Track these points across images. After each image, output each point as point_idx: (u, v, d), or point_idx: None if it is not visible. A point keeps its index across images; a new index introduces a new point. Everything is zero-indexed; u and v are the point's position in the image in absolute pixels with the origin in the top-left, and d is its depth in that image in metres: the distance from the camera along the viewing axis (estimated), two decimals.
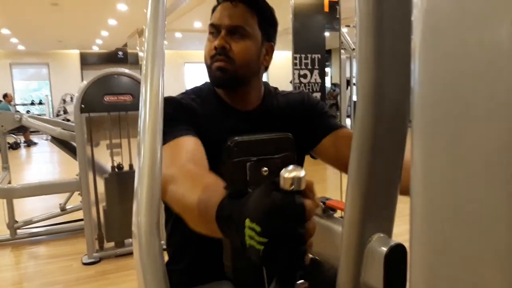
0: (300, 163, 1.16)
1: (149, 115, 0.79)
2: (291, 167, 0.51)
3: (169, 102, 1.03)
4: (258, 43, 1.07)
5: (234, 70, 1.04)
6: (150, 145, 0.76)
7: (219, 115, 1.09)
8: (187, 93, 1.12)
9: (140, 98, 0.81)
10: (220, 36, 1.03)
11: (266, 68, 1.13)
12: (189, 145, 0.94)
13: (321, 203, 0.77)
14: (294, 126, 1.12)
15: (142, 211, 0.69)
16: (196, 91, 1.12)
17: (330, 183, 4.07)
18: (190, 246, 1.12)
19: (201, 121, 1.04)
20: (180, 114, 1.02)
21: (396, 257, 0.65)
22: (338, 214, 0.80)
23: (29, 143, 10.32)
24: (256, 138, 1.02)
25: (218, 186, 0.70)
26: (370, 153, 0.62)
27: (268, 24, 1.09)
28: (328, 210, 0.77)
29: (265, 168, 1.00)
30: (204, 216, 0.66)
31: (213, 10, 1.08)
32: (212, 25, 1.06)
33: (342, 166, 1.13)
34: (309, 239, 0.51)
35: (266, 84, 1.18)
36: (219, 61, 1.03)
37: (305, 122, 1.15)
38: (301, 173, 0.51)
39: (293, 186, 0.50)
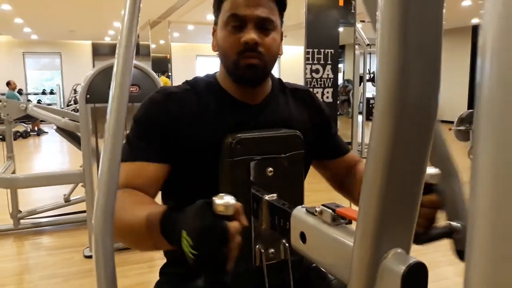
0: (307, 163, 1.08)
1: (112, 120, 0.78)
2: (223, 194, 0.65)
3: (151, 106, 0.98)
4: (279, 34, 1.00)
5: (264, 66, 0.97)
6: (112, 144, 0.77)
7: (222, 109, 1.00)
8: (188, 82, 1.04)
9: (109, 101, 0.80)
10: (250, 30, 0.93)
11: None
12: (140, 172, 0.93)
13: (331, 210, 0.68)
14: (301, 125, 1.05)
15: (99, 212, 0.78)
16: (198, 81, 1.04)
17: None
18: None
19: (195, 117, 0.97)
20: (154, 127, 0.95)
21: (416, 277, 0.57)
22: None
23: (39, 132, 10.35)
24: (261, 135, 0.93)
25: (156, 205, 0.83)
26: (390, 155, 0.53)
27: (284, 9, 1.01)
28: (338, 218, 0.68)
29: (270, 168, 0.92)
30: (147, 231, 0.75)
31: None
32: (235, 16, 0.94)
33: (337, 187, 1.20)
34: (231, 254, 0.63)
35: (271, 74, 1.09)
36: (251, 57, 0.94)
37: (313, 129, 1.11)
38: (230, 201, 0.64)
39: (221, 211, 0.63)
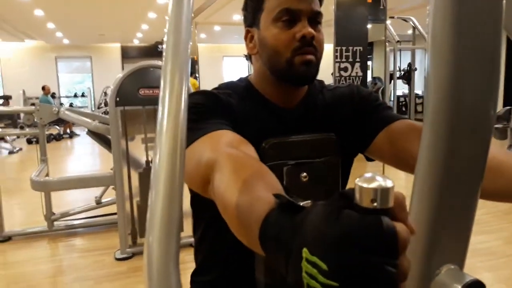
0: (346, 169, 1.02)
1: (168, 114, 0.58)
2: (370, 174, 0.34)
3: (204, 94, 0.92)
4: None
5: (317, 63, 0.91)
6: (169, 153, 0.55)
7: (260, 114, 0.95)
8: (222, 87, 0.97)
9: (160, 95, 0.61)
10: (306, 24, 0.87)
11: None
12: (232, 137, 0.78)
13: None
14: (343, 125, 0.98)
15: (155, 240, 0.49)
16: (232, 86, 0.98)
17: None
18: (219, 256, 1.01)
19: (238, 120, 0.90)
20: (216, 108, 0.88)
21: None
22: None
23: (71, 135, 10.60)
24: (294, 139, 0.89)
25: (267, 187, 0.52)
26: (443, 164, 0.48)
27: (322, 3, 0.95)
28: None
29: (305, 174, 0.87)
30: (244, 225, 0.51)
31: None
32: (287, 10, 0.87)
33: (402, 163, 0.93)
34: (403, 282, 0.34)
35: None
36: (308, 53, 0.88)
37: (356, 119, 0.99)
38: (388, 182, 0.34)
39: (375, 203, 0.33)
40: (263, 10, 0.90)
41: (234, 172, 0.62)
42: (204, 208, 0.93)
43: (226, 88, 0.97)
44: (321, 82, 1.05)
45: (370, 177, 0.34)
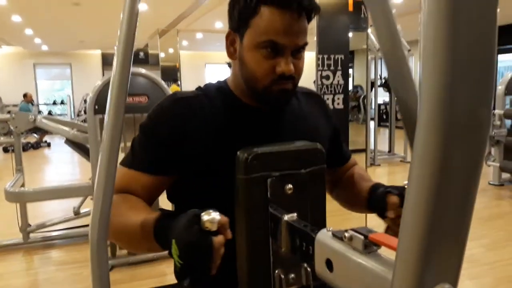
0: None
1: (109, 128, 0.85)
2: (211, 210, 0.70)
3: (161, 112, 0.95)
4: None
5: (294, 89, 0.94)
6: (108, 157, 0.82)
7: (235, 117, 0.95)
8: (196, 89, 1.00)
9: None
10: (288, 60, 0.87)
11: None
12: (139, 183, 0.94)
13: (362, 236, 0.60)
14: (316, 132, 1.02)
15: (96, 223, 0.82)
16: (205, 89, 1.00)
17: None
18: None
19: (206, 125, 0.92)
20: (162, 133, 0.92)
21: None
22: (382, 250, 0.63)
23: (48, 144, 10.37)
24: (279, 150, 0.85)
25: (153, 211, 0.87)
26: (436, 175, 0.46)
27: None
28: (371, 245, 0.60)
29: (290, 186, 0.84)
30: (144, 236, 0.81)
31: (254, 10, 0.86)
32: (273, 43, 0.86)
33: (332, 192, 1.18)
34: (214, 265, 0.69)
35: None
36: (285, 84, 0.90)
37: (325, 136, 1.08)
38: (216, 217, 0.69)
39: (207, 227, 0.68)
40: (250, 27, 0.88)
41: (127, 210, 0.89)
42: (184, 204, 0.93)
43: (204, 88, 0.99)
44: None
45: (209, 212, 0.69)
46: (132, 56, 0.86)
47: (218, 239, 0.69)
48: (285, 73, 0.87)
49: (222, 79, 1.03)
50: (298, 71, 0.91)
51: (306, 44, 0.90)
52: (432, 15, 0.42)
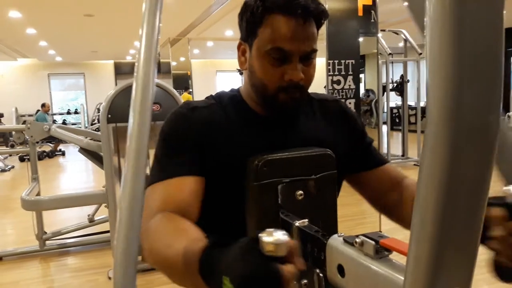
0: (339, 183, 1.00)
1: (134, 140, 0.74)
2: (272, 230, 0.52)
3: (177, 120, 0.93)
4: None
5: (302, 98, 0.92)
6: (134, 166, 0.71)
7: (247, 125, 0.95)
8: (209, 98, 0.99)
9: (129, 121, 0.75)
10: (296, 66, 0.86)
11: None
12: (180, 191, 0.85)
13: (373, 242, 0.60)
14: (332, 139, 0.98)
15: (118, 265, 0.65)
16: (218, 97, 0.99)
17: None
18: None
19: (220, 133, 0.91)
20: (185, 137, 0.90)
21: None
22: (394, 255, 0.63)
23: (63, 152, 10.49)
24: (289, 156, 0.86)
25: (199, 237, 0.69)
26: (446, 178, 0.45)
27: (320, 27, 0.93)
28: (383, 250, 0.60)
29: (300, 192, 0.85)
30: (187, 270, 0.63)
31: (261, 19, 0.86)
32: (279, 50, 0.85)
33: (376, 203, 1.07)
34: None
35: None
36: (294, 93, 0.89)
37: (346, 142, 1.02)
38: (282, 238, 0.51)
39: (271, 252, 0.50)
40: (257, 36, 0.88)
41: (169, 237, 0.75)
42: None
43: (218, 97, 0.98)
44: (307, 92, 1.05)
45: (271, 232, 0.51)
46: (156, 63, 0.82)
47: (289, 268, 0.51)
48: (293, 79, 0.86)
49: (235, 87, 1.03)
50: (308, 78, 0.89)
51: (315, 50, 0.88)
52: (437, 21, 0.42)
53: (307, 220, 0.81)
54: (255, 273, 0.50)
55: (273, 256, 0.50)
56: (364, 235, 0.63)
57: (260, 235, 0.51)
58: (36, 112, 11.01)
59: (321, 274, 0.84)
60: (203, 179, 0.88)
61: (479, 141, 0.45)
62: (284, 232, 0.52)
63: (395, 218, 1.01)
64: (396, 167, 1.10)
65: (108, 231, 3.60)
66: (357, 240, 0.62)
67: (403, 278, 0.50)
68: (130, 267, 0.70)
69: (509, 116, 4.58)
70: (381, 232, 0.63)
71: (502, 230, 0.65)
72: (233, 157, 0.89)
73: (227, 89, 1.02)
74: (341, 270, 0.66)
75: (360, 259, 0.63)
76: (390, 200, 1.01)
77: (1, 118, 10.63)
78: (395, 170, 1.06)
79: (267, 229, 0.52)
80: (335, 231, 0.85)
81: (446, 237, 0.47)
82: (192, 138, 0.90)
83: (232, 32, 10.04)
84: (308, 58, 0.88)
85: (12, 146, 5.99)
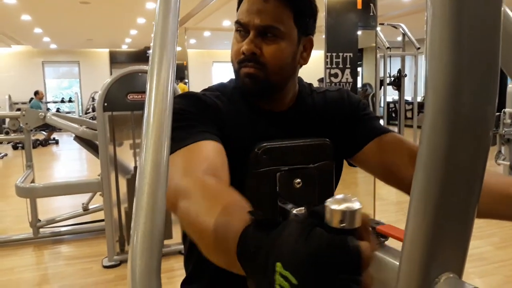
0: (338, 172, 1.01)
1: (153, 118, 0.64)
2: (341, 196, 0.38)
3: (187, 98, 0.90)
4: (293, 42, 0.90)
5: (265, 77, 0.88)
6: (153, 160, 0.59)
7: (247, 118, 0.94)
8: (211, 88, 0.97)
9: (146, 99, 0.66)
10: (249, 39, 0.87)
11: (302, 65, 0.98)
12: (209, 153, 0.78)
13: (369, 228, 0.62)
14: (332, 129, 0.98)
15: (138, 253, 0.52)
16: (221, 87, 0.97)
17: (362, 188, 3.88)
18: (210, 264, 0.99)
19: (226, 123, 0.90)
20: (201, 112, 0.87)
21: None
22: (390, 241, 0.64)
23: (56, 141, 10.45)
24: (288, 144, 0.87)
25: (241, 208, 0.54)
26: (442, 169, 0.47)
27: (306, 16, 0.91)
28: (379, 237, 0.62)
29: (298, 180, 0.86)
30: (221, 245, 0.52)
31: (240, 1, 0.91)
32: (238, 23, 0.89)
33: (387, 176, 0.97)
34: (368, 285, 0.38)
35: (300, 80, 1.01)
36: (248, 67, 0.88)
37: (345, 125, 1.00)
38: (356, 204, 0.38)
39: (343, 223, 0.37)
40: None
41: (206, 200, 0.63)
42: None
43: (216, 89, 0.96)
44: (310, 85, 1.05)
45: (340, 199, 0.38)
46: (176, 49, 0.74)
47: (366, 244, 0.37)
48: (244, 51, 0.87)
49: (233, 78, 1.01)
50: (267, 57, 0.87)
51: (272, 26, 0.86)
52: (437, 14, 0.43)
53: (303, 208, 0.82)
54: (326, 251, 0.35)
55: (346, 229, 0.37)
56: None
57: (327, 203, 0.38)
58: (30, 100, 10.92)
59: None
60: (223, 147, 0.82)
61: (475, 132, 0.46)
62: (355, 198, 0.39)
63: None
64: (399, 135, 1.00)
65: (102, 220, 3.60)
66: None
67: (398, 263, 0.52)
68: (154, 254, 0.56)
69: (504, 112, 4.61)
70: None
71: None
72: (238, 144, 0.88)
73: (226, 80, 1.01)
74: None
75: None
76: (403, 169, 0.91)
77: None
78: (399, 138, 0.98)
79: (334, 197, 0.38)
80: None
81: (441, 224, 0.49)
82: (208, 115, 0.87)
83: (230, 22, 9.99)
84: (264, 34, 0.87)
85: (7, 133, 5.96)
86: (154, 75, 0.67)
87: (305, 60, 0.95)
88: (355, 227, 0.37)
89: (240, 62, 0.89)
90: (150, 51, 0.71)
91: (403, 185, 0.90)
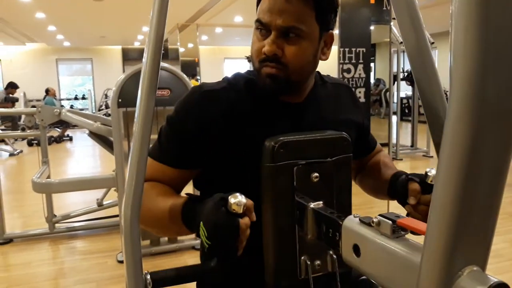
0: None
1: (141, 120, 0.85)
2: (238, 194, 0.73)
3: (190, 102, 0.94)
4: (315, 40, 0.89)
5: (286, 77, 0.88)
6: (139, 147, 0.82)
7: (264, 109, 0.94)
8: (226, 80, 0.98)
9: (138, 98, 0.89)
10: (271, 40, 0.86)
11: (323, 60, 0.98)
12: (165, 177, 0.95)
13: (390, 221, 0.61)
14: (343, 125, 1.00)
15: (128, 205, 0.79)
16: (236, 78, 0.98)
17: None
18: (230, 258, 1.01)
19: (234, 118, 0.91)
20: (182, 132, 0.92)
21: None
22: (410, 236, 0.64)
23: (70, 138, 10.55)
24: (305, 138, 0.87)
25: (181, 196, 0.92)
26: (466, 161, 0.46)
27: (328, 12, 0.90)
28: (399, 230, 0.61)
29: (316, 174, 0.85)
30: (173, 219, 0.84)
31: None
32: (259, 22, 0.87)
33: (359, 181, 1.18)
34: (240, 245, 0.74)
35: None
36: (270, 67, 0.88)
37: (355, 127, 1.07)
38: (242, 200, 0.73)
39: (234, 210, 0.72)
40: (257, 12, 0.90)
41: (151, 198, 0.90)
42: (209, 187, 0.93)
43: (232, 80, 0.97)
44: (318, 73, 1.05)
45: (236, 195, 0.73)
46: (162, 49, 0.86)
47: (244, 221, 0.72)
48: (265, 52, 0.86)
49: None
50: (288, 57, 0.87)
51: (294, 27, 0.85)
52: (463, 4, 0.43)
53: (321, 202, 0.82)
54: (221, 223, 0.71)
55: (235, 213, 0.72)
56: (380, 215, 0.64)
57: (229, 197, 0.72)
58: (44, 97, 11.05)
59: (334, 255, 0.85)
60: (186, 172, 0.96)
61: (500, 125, 0.46)
62: (244, 196, 0.73)
63: (366, 187, 1.16)
64: (379, 145, 1.22)
65: (116, 216, 3.64)
66: (374, 220, 0.63)
67: (419, 257, 0.51)
68: (135, 237, 0.79)
69: None
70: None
71: (414, 200, 0.89)
72: (245, 139, 0.90)
73: (243, 70, 1.02)
74: (356, 250, 0.67)
75: (376, 239, 0.64)
76: (365, 173, 1.16)
77: (16, 103, 10.64)
78: (377, 149, 1.20)
79: (233, 194, 0.73)
80: (350, 213, 0.86)
81: (465, 217, 0.48)
82: (194, 128, 0.91)
83: (242, 18, 9.98)
84: (286, 34, 0.86)
85: (23, 130, 6.04)
86: (146, 85, 0.91)
87: (325, 55, 0.95)
88: (241, 212, 0.72)
89: (261, 61, 0.88)
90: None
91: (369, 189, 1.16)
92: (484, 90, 0.44)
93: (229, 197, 0.72)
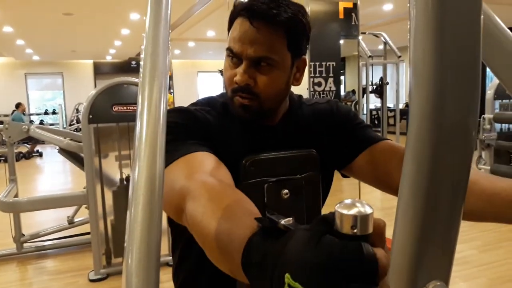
0: (327, 184, 1.02)
1: (147, 130, 0.61)
2: (350, 200, 0.35)
3: (179, 112, 0.90)
4: (287, 68, 0.88)
5: (259, 106, 0.88)
6: (148, 173, 0.55)
7: (238, 131, 0.93)
8: (200, 103, 0.96)
9: (137, 111, 0.64)
10: (242, 70, 0.84)
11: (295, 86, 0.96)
12: (206, 161, 0.78)
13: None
14: (322, 141, 0.98)
15: (134, 271, 0.49)
16: (211, 102, 0.96)
17: (347, 195, 3.91)
18: (201, 279, 0.98)
19: (217, 138, 0.89)
20: (193, 125, 0.87)
21: None
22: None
23: (40, 153, 10.30)
24: (275, 156, 0.88)
25: (246, 213, 0.53)
26: (427, 177, 0.48)
27: (299, 38, 0.88)
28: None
29: (286, 190, 0.87)
30: (225, 252, 0.51)
31: (230, 20, 0.88)
32: (230, 50, 0.86)
33: (382, 184, 0.96)
34: None
35: (290, 93, 1.00)
36: (242, 97, 0.87)
37: (335, 137, 0.99)
38: (367, 209, 0.35)
39: (355, 229, 0.34)
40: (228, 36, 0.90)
41: (211, 201, 0.62)
42: (184, 227, 0.90)
43: (206, 104, 0.95)
44: (300, 97, 1.05)
45: (350, 204, 0.35)
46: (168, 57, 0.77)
47: (381, 252, 0.36)
48: (237, 82, 0.85)
49: (220, 91, 1.01)
50: (260, 87, 0.86)
51: (265, 57, 0.84)
52: (420, 24, 0.45)
53: (292, 218, 0.82)
54: (338, 260, 0.33)
55: (359, 236, 0.34)
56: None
57: (336, 208, 0.35)
58: (12, 113, 10.77)
59: None
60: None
61: (459, 139, 0.48)
62: (365, 202, 0.36)
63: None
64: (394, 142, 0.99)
65: (88, 233, 3.55)
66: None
67: None
68: (151, 271, 0.51)
69: (484, 118, 4.70)
70: None
71: None
72: (227, 160, 0.86)
73: (213, 93, 1.00)
74: None
75: None
76: (394, 174, 0.88)
77: None
78: (393, 145, 0.96)
79: (343, 201, 0.36)
80: None
81: (427, 232, 0.50)
82: (199, 129, 0.87)
83: (214, 33, 10.02)
84: (258, 63, 0.85)
85: None
86: (146, 88, 0.66)
87: (298, 81, 0.94)
88: (368, 233, 0.35)
89: (234, 91, 0.87)
90: (141, 62, 0.69)
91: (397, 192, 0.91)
92: (441, 107, 0.46)
93: (337, 207, 0.35)
